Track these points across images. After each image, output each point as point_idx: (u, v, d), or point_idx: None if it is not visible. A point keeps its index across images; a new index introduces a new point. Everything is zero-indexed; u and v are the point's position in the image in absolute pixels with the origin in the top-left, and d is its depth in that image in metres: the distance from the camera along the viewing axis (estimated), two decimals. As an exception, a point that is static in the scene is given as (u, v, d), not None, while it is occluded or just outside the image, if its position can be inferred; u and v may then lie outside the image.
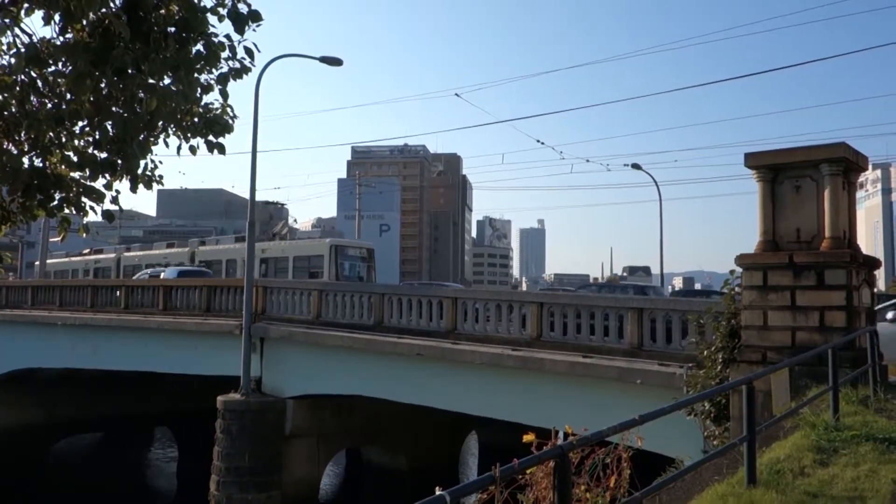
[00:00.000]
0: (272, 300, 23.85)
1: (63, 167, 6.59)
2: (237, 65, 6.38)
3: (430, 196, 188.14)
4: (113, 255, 52.08)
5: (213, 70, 6.32)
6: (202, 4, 5.86)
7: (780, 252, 11.00)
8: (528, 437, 5.26)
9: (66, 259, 56.93)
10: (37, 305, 32.21)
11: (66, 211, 6.85)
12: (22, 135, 6.40)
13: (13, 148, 6.51)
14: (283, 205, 50.05)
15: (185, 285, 27.97)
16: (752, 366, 10.45)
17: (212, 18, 5.98)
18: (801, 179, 11.11)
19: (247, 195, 24.27)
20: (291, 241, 41.36)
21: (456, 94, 52.16)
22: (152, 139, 6.60)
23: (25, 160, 6.52)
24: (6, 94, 6.20)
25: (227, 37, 6.19)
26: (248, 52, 6.32)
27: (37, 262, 57.21)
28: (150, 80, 5.84)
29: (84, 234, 7.61)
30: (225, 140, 7.28)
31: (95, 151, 6.46)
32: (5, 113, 6.28)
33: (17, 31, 5.86)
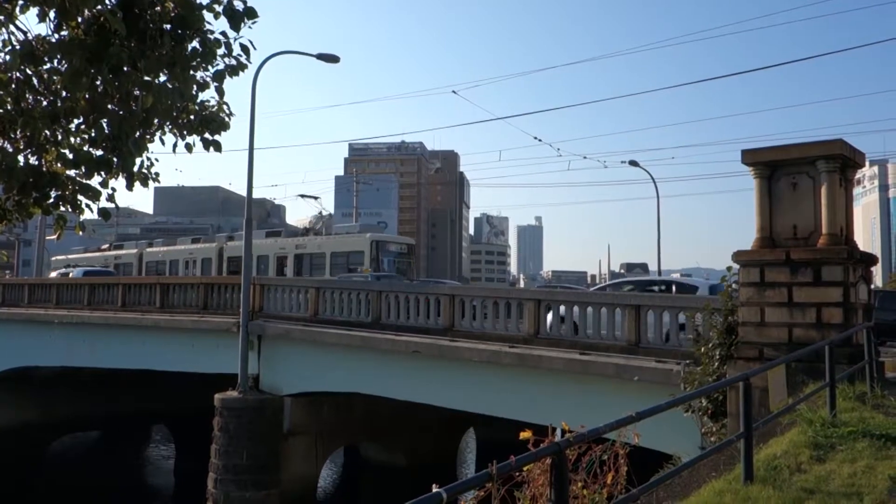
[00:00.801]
0: (270, 297, 23.84)
1: (59, 165, 6.57)
2: (233, 62, 6.36)
3: (427, 193, 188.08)
4: (135, 251, 49.83)
5: (209, 67, 6.30)
6: (198, 1, 5.84)
7: (777, 249, 11.01)
8: (525, 434, 5.27)
9: (84, 255, 54.49)
10: (33, 303, 32.14)
11: (62, 209, 6.83)
12: (17, 132, 6.38)
13: (9, 146, 6.49)
14: (316, 198, 47.18)
15: (182, 283, 27.94)
16: (749, 362, 10.46)
17: (207, 15, 5.95)
18: (797, 176, 11.13)
19: (244, 193, 24.23)
20: (328, 235, 39.58)
21: (453, 91, 51.97)
22: (148, 137, 6.58)
23: (21, 158, 6.50)
24: (1, 92, 6.18)
25: (223, 34, 6.17)
26: (244, 49, 6.30)
27: (55, 257, 56.03)
28: (146, 78, 5.82)
29: (80, 232, 7.60)
30: (221, 137, 7.26)
31: (91, 149, 6.44)
32: (0, 110, 6.26)
33: (12, 28, 5.84)
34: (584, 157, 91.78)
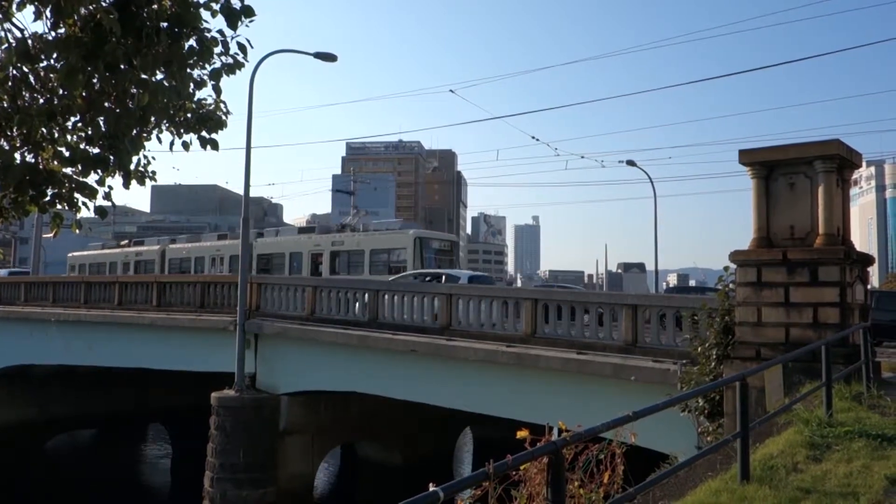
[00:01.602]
0: (266, 296, 23.82)
1: (55, 163, 6.55)
2: (230, 60, 6.34)
3: (424, 192, 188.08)
4: (157, 248, 47.53)
5: (206, 65, 6.29)
6: (195, 0, 5.83)
7: (774, 249, 11.03)
8: (522, 434, 5.27)
9: (102, 251, 52.63)
10: (30, 302, 32.09)
11: (59, 207, 6.81)
12: (14, 130, 6.36)
13: (5, 143, 6.47)
14: (352, 193, 44.17)
15: (179, 281, 27.91)
16: (745, 362, 10.48)
17: (205, 14, 5.93)
18: (795, 176, 11.14)
19: (241, 191, 24.19)
20: (367, 232, 37.44)
21: (451, 91, 51.74)
22: (145, 135, 6.57)
23: (17, 156, 6.48)
24: (-2, 90, 6.17)
25: (220, 32, 6.16)
26: (241, 47, 6.29)
27: (74, 253, 55.02)
28: (143, 76, 5.81)
29: (77, 230, 7.58)
30: (218, 136, 7.25)
31: (88, 147, 6.42)
32: (-3, 108, 6.24)
33: (8, 25, 5.82)
34: (582, 157, 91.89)
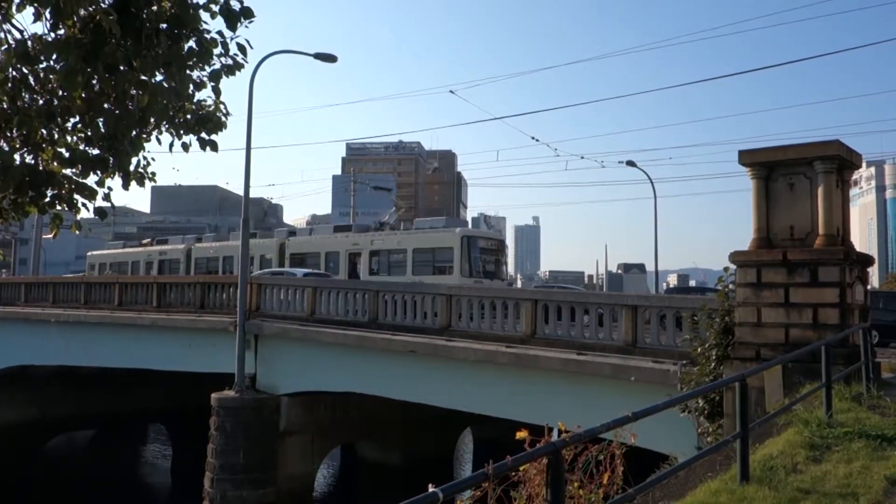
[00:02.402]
0: (266, 297, 23.83)
1: (55, 164, 6.56)
2: (230, 61, 6.35)
3: (425, 193, 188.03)
4: (182, 247, 45.53)
5: (206, 67, 6.30)
6: (194, 1, 5.84)
7: (774, 249, 11.03)
8: (522, 434, 5.27)
9: (123, 250, 50.55)
10: (30, 302, 32.09)
11: (58, 208, 6.82)
12: (14, 131, 6.37)
13: (5, 144, 6.48)
14: (389, 190, 41.55)
15: (178, 282, 27.91)
16: (745, 363, 10.47)
17: (204, 15, 5.94)
18: (794, 177, 11.14)
19: (241, 192, 24.20)
20: (409, 230, 35.74)
21: (451, 91, 51.58)
22: (144, 136, 6.58)
23: (17, 157, 6.49)
24: (-3, 91, 6.17)
25: (220, 33, 6.17)
26: (241, 48, 6.30)
27: (94, 252, 53.91)
28: (142, 77, 5.82)
29: (77, 231, 7.58)
30: (218, 137, 7.26)
31: (87, 148, 6.43)
32: (-4, 109, 6.25)
33: (8, 27, 5.83)
34: (582, 157, 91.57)
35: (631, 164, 43.71)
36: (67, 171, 6.60)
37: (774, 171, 11.28)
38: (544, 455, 4.29)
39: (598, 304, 16.44)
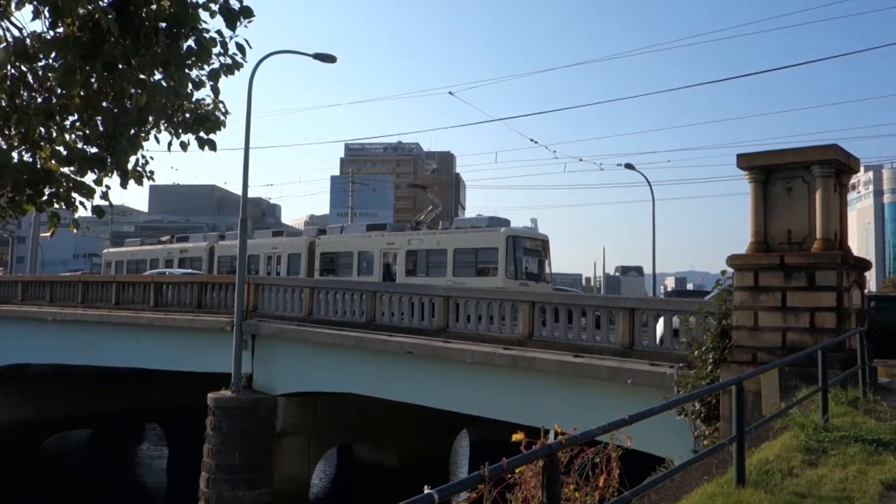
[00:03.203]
0: (264, 297, 23.81)
1: (53, 162, 6.55)
2: (229, 61, 6.36)
3: (423, 194, 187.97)
4: (204, 245, 43.69)
5: (205, 66, 6.30)
6: (193, 0, 5.84)
7: (772, 253, 11.04)
8: (518, 436, 5.26)
9: (141, 248, 48.94)
10: (27, 301, 32.04)
11: (56, 206, 6.81)
12: (11, 129, 6.36)
13: (2, 142, 6.47)
14: (425, 188, 39.33)
15: (176, 281, 27.90)
16: (742, 366, 10.48)
17: (203, 14, 5.95)
18: (792, 181, 11.16)
19: (239, 192, 24.20)
20: (449, 230, 33.94)
21: (450, 93, 51.80)
22: (143, 135, 6.57)
23: (15, 155, 6.48)
24: (-5, 89, 6.16)
25: (219, 32, 6.17)
26: (240, 48, 6.30)
27: (110, 249, 52.77)
28: (141, 76, 5.82)
29: (74, 230, 7.57)
30: (217, 136, 7.26)
31: (85, 146, 6.42)
32: (-6, 107, 6.24)
33: (6, 24, 5.82)
34: (581, 160, 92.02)
35: (629, 166, 43.73)
36: (65, 170, 6.59)
37: (772, 174, 11.30)
38: (540, 457, 4.28)
39: (595, 306, 16.44)
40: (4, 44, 5.83)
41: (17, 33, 5.83)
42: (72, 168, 6.50)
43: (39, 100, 6.35)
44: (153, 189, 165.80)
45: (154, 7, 5.66)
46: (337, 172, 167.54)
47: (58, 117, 6.37)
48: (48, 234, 7.58)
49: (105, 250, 53.73)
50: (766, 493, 6.32)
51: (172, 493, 28.27)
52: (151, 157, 7.04)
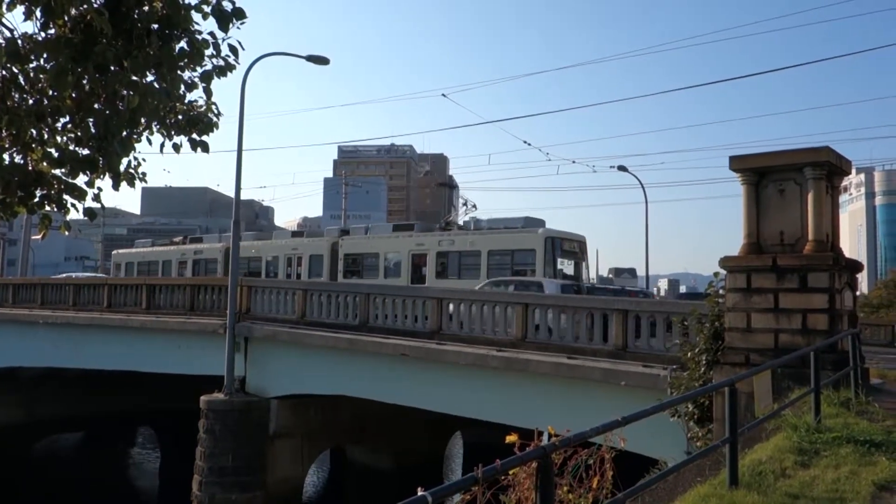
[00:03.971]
0: (257, 299, 23.75)
1: (44, 164, 6.52)
2: (221, 62, 6.34)
3: (416, 196, 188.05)
4: (219, 246, 42.23)
5: (197, 67, 6.28)
6: (186, 2, 5.82)
7: (764, 255, 11.07)
8: (511, 438, 5.26)
9: (153, 249, 47.56)
10: (18, 304, 31.88)
11: (47, 208, 6.78)
12: (3, 131, 6.33)
13: (-6, 144, 6.44)
14: (454, 187, 37.04)
15: (168, 284, 27.81)
16: (735, 368, 10.50)
17: (196, 16, 5.94)
18: (784, 183, 11.20)
19: (232, 194, 24.15)
20: (482, 231, 32.56)
21: (443, 95, 51.73)
22: (135, 136, 6.55)
23: (6, 156, 6.45)
24: (-13, 90, 6.13)
25: (212, 34, 6.15)
26: (233, 49, 6.28)
27: (120, 251, 51.47)
28: (133, 77, 5.80)
29: (66, 232, 7.54)
30: (209, 138, 7.24)
31: (77, 148, 6.40)
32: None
33: (-2, 25, 5.79)
34: (573, 162, 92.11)
35: (622, 168, 43.86)
36: (57, 172, 6.56)
37: (765, 176, 11.33)
38: (534, 459, 4.28)
39: (588, 308, 16.46)
40: (-4, 45, 5.81)
41: (8, 34, 5.81)
42: (63, 170, 6.47)
43: (31, 101, 6.32)
44: (145, 191, 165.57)
45: (146, 8, 5.65)
46: (330, 174, 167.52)
47: (49, 119, 6.35)
48: (39, 236, 7.55)
49: (115, 252, 52.32)
50: (759, 495, 6.34)
51: (165, 496, 28.15)
52: (143, 159, 7.01)
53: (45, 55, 5.78)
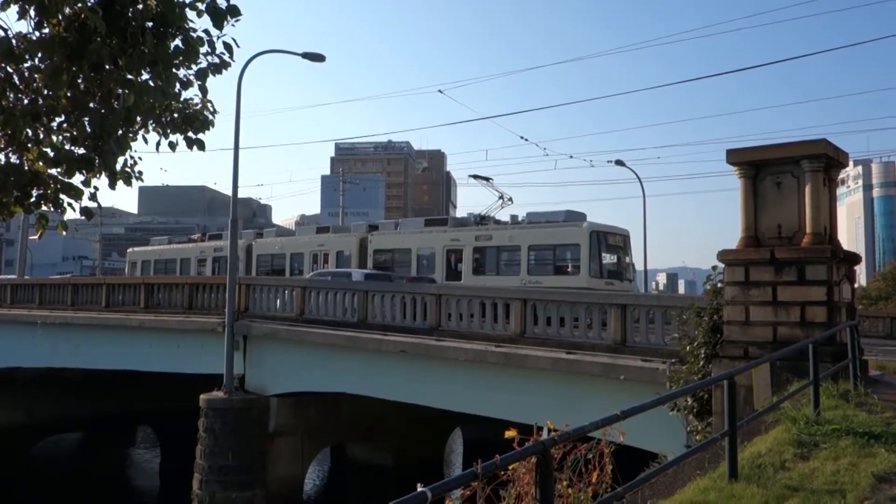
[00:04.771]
0: (255, 297, 23.74)
1: (40, 163, 6.50)
2: (216, 60, 6.32)
3: (414, 192, 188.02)
4: (240, 243, 38.22)
5: (192, 65, 6.26)
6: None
7: (762, 248, 11.07)
8: (511, 433, 5.26)
9: (169, 247, 46.36)
10: (16, 304, 31.84)
11: (44, 208, 6.76)
12: (-2, 131, 6.31)
13: (-11, 144, 6.42)
14: (489, 179, 35.46)
15: (166, 282, 27.79)
16: (734, 361, 10.51)
17: (190, 13, 5.91)
18: (782, 176, 11.20)
19: (229, 192, 24.13)
20: (521, 225, 31.18)
21: (439, 91, 51.83)
22: (131, 135, 6.53)
23: (2, 156, 6.44)
24: (-19, 90, 6.11)
25: (206, 32, 6.14)
26: (227, 47, 6.26)
27: (135, 249, 50.22)
28: (128, 76, 5.78)
29: (63, 232, 7.52)
30: (206, 136, 7.23)
31: (73, 147, 6.38)
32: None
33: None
34: (571, 157, 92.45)
35: (620, 163, 43.81)
36: (53, 171, 6.54)
37: (762, 170, 11.33)
38: (533, 454, 4.28)
39: (587, 303, 16.46)
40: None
41: (2, 34, 5.79)
42: (59, 169, 6.45)
43: (26, 101, 6.30)
44: (142, 190, 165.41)
45: (140, 6, 5.62)
46: (327, 172, 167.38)
47: (45, 118, 6.33)
48: (37, 236, 7.53)
49: (130, 249, 50.87)
50: (759, 487, 6.34)
51: (165, 495, 28.17)
52: (140, 158, 7.00)
53: (39, 54, 5.76)
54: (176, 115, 6.93)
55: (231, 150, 23.27)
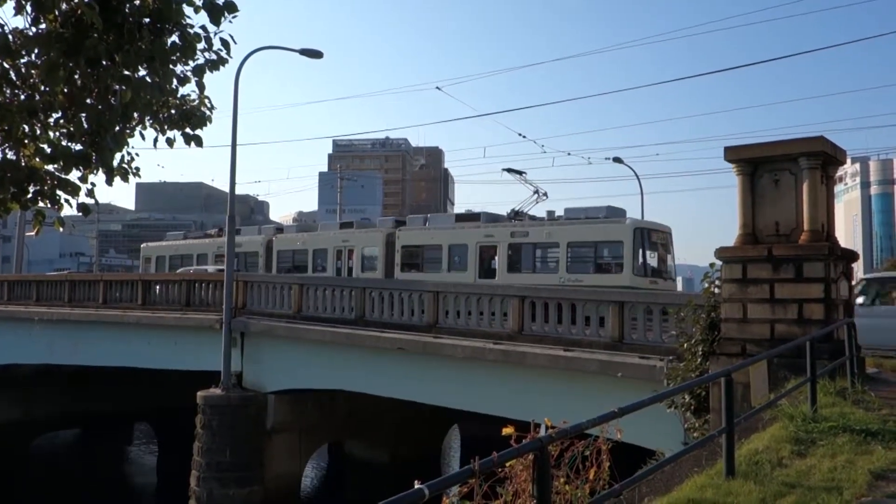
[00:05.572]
0: (253, 294, 23.74)
1: (37, 159, 6.48)
2: (213, 56, 6.30)
3: (412, 189, 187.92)
4: (260, 238, 39.63)
5: (189, 62, 6.24)
6: (177, -5, 5.78)
7: (760, 245, 11.08)
8: (508, 430, 5.25)
9: (185, 242, 45.14)
10: (13, 301, 31.80)
11: (41, 204, 6.74)
12: (-6, 127, 6.29)
13: (-15, 140, 6.40)
14: (522, 173, 33.03)
15: (164, 280, 27.77)
16: (731, 358, 10.52)
17: (187, 9, 5.89)
18: (779, 173, 11.21)
19: (227, 188, 24.11)
20: (560, 221, 29.85)
21: (437, 88, 51.77)
22: (128, 131, 6.51)
23: (-2, 153, 6.42)
24: (-23, 86, 6.09)
25: (203, 28, 6.12)
26: (225, 43, 6.24)
27: (150, 244, 48.78)
28: (125, 72, 5.76)
29: (60, 228, 7.51)
30: (203, 133, 7.20)
31: (70, 143, 6.36)
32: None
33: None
34: (569, 154, 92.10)
35: (618, 160, 43.82)
36: (50, 167, 6.52)
37: (760, 167, 11.34)
38: (530, 451, 4.29)
39: (585, 300, 16.47)
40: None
41: (-2, 29, 5.77)
42: (56, 166, 6.43)
43: (23, 97, 6.28)
44: (140, 187, 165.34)
45: (137, 2, 5.61)
46: (325, 169, 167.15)
47: (41, 114, 6.31)
48: (33, 232, 7.52)
49: (144, 245, 49.66)
50: (756, 484, 6.35)
51: (163, 492, 28.19)
52: (137, 154, 6.97)
53: (36, 50, 5.74)
54: (173, 112, 6.91)
55: (228, 146, 23.26)
